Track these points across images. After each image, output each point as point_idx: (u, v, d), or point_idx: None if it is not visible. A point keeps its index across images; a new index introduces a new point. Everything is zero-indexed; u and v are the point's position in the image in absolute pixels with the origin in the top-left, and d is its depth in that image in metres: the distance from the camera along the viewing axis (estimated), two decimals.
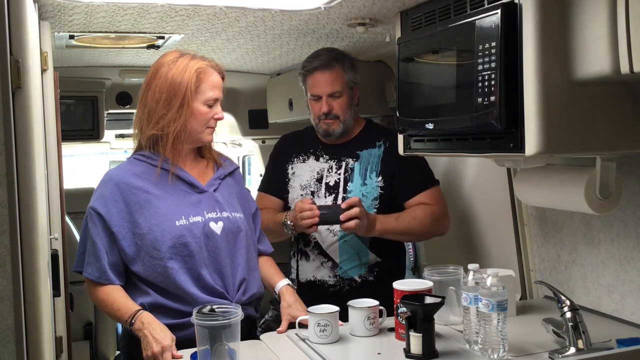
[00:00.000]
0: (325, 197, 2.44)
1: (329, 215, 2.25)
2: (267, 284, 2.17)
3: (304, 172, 2.51)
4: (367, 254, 2.41)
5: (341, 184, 2.43)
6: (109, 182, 1.97)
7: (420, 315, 1.72)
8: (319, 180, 2.47)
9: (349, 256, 2.40)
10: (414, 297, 1.79)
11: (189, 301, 1.90)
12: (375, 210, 2.38)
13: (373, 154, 2.45)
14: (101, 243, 1.91)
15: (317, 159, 2.51)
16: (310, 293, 2.37)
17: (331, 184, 2.45)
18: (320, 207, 2.27)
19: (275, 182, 2.58)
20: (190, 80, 1.93)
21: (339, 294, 2.34)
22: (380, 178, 2.41)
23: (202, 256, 1.93)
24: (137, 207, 1.92)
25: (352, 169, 2.44)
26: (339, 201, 2.40)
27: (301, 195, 2.48)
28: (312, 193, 2.46)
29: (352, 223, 2.22)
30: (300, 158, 2.54)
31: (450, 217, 2.48)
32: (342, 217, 2.22)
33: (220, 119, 2.02)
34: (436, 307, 1.75)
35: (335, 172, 2.46)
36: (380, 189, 2.40)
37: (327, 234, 2.42)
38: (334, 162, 2.48)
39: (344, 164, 2.46)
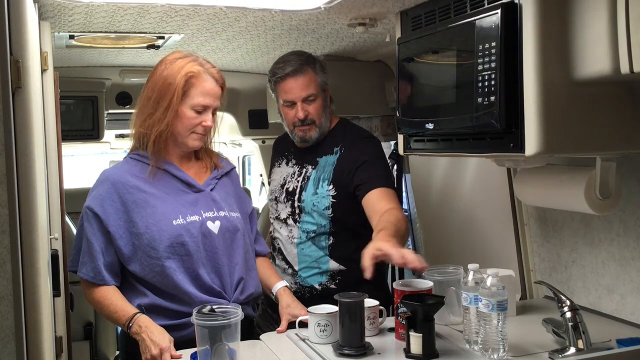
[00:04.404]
0: (285, 202, 2.40)
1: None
2: (264, 285, 2.17)
3: (277, 177, 2.49)
4: (327, 262, 2.33)
5: (297, 191, 2.38)
6: (105, 181, 1.97)
7: (420, 315, 1.72)
8: (283, 185, 2.44)
9: (307, 264, 2.35)
10: (414, 297, 1.79)
11: (186, 301, 1.90)
12: (329, 218, 2.30)
13: (329, 162, 2.37)
14: (97, 243, 1.91)
15: (287, 163, 2.49)
16: None
17: (290, 189, 2.41)
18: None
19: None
20: (179, 83, 1.92)
21: (300, 301, 2.18)
22: (331, 187, 2.31)
23: (200, 255, 1.93)
24: (134, 207, 1.92)
25: (309, 177, 2.38)
26: (296, 209, 2.35)
27: (272, 203, 2.46)
28: (276, 199, 2.44)
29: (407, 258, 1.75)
30: (278, 162, 2.53)
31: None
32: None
33: (208, 127, 1.99)
34: (436, 307, 1.75)
35: (296, 179, 2.41)
36: (332, 197, 2.31)
37: (287, 242, 2.39)
38: (297, 167, 2.44)
39: (304, 170, 2.41)
